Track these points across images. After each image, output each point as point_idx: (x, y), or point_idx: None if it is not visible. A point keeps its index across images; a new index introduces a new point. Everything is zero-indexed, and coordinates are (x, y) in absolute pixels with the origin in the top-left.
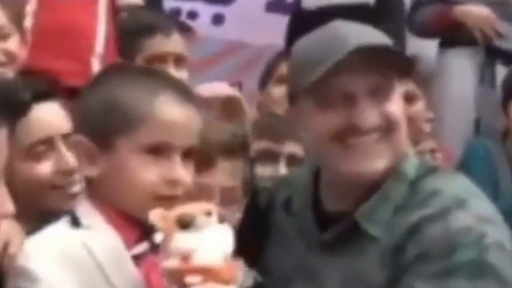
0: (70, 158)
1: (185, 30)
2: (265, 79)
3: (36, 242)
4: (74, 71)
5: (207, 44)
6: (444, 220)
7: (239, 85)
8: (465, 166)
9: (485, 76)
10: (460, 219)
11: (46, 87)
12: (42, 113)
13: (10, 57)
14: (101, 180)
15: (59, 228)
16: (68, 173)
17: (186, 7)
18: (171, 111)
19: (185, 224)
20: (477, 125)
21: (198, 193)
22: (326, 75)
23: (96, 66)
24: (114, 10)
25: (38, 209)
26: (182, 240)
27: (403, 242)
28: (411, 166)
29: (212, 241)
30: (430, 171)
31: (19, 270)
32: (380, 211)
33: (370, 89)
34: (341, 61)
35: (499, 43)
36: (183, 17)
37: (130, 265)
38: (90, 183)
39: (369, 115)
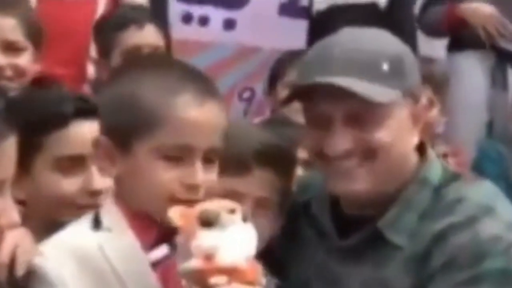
0: (99, 180)
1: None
2: (273, 83)
3: (54, 243)
4: (69, 76)
5: (219, 49)
6: (472, 228)
7: (251, 91)
8: (478, 169)
9: (496, 79)
10: (489, 227)
11: (89, 104)
12: (80, 130)
13: (19, 72)
14: (120, 180)
15: (79, 229)
16: (94, 193)
17: (197, 11)
18: (191, 112)
19: (208, 221)
20: (490, 127)
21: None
22: (307, 97)
23: (91, 70)
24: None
25: (55, 223)
26: (205, 238)
27: (429, 250)
28: (434, 172)
29: (237, 240)
30: (453, 177)
31: (36, 273)
32: (404, 219)
33: (348, 114)
34: (307, 87)
35: (508, 46)
36: (194, 22)
37: (147, 270)
38: (115, 181)
39: (339, 142)
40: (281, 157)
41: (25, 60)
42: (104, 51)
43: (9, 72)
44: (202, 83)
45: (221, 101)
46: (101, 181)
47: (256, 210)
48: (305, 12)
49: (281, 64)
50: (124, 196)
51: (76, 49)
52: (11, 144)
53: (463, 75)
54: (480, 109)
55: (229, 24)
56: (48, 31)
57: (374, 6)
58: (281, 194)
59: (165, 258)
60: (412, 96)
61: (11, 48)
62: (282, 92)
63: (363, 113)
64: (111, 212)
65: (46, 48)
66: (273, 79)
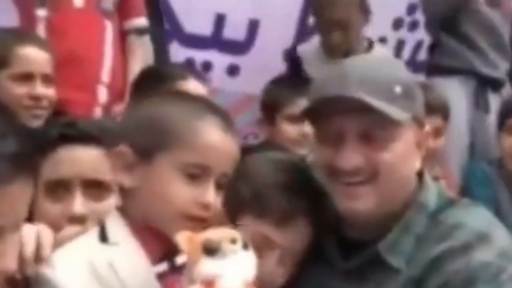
0: (80, 205)
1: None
2: (270, 113)
3: (65, 253)
4: (81, 100)
5: (222, 95)
6: (467, 255)
7: (256, 136)
8: (466, 191)
9: (480, 103)
10: (482, 254)
11: (76, 130)
12: (65, 155)
13: (50, 103)
14: (135, 191)
15: (88, 242)
16: (75, 220)
17: (200, 57)
18: (214, 135)
19: (210, 250)
20: (471, 150)
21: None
22: (322, 112)
23: (103, 94)
24: (121, 37)
25: None
26: (206, 266)
27: (425, 274)
28: (431, 197)
29: (235, 268)
30: (449, 202)
31: (45, 282)
32: (403, 242)
33: (361, 132)
34: (322, 102)
35: (488, 71)
36: (197, 68)
37: (154, 283)
38: (124, 194)
39: (351, 157)
40: (318, 210)
41: (54, 91)
42: None
43: (45, 103)
44: (223, 114)
45: (236, 134)
46: (84, 206)
47: (284, 258)
48: None
49: (279, 95)
50: (136, 207)
51: (88, 75)
52: (17, 190)
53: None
54: (463, 132)
55: (233, 71)
56: (61, 59)
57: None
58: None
59: (165, 273)
60: (418, 122)
61: (46, 80)
62: (282, 124)
63: (375, 131)
64: (117, 225)
65: (59, 75)
66: (270, 109)
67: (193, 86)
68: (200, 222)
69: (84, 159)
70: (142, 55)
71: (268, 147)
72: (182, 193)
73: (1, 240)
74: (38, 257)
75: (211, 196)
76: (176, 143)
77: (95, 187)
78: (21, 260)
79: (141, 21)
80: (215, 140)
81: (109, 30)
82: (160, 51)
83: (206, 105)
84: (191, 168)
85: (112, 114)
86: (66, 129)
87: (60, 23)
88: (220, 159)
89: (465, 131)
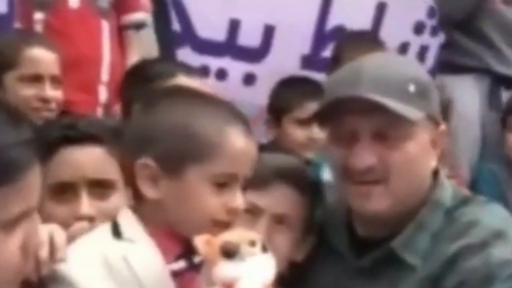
0: (87, 206)
1: None
2: (276, 115)
3: (78, 248)
4: (83, 101)
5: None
6: (484, 252)
7: None
8: (474, 190)
9: (493, 101)
10: (500, 252)
11: (76, 131)
12: (68, 156)
13: (58, 105)
14: (159, 202)
15: (101, 236)
16: (82, 220)
17: (214, 64)
18: (241, 143)
19: (229, 252)
20: (482, 148)
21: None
22: (335, 112)
23: (103, 93)
24: (119, 34)
25: None
26: (225, 269)
27: (442, 272)
28: (446, 194)
29: (255, 271)
30: (465, 200)
31: (60, 278)
32: (418, 239)
33: (374, 131)
34: (335, 102)
35: (502, 69)
36: (211, 76)
37: (169, 282)
38: (139, 199)
39: (364, 157)
40: (299, 175)
41: (61, 93)
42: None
43: (53, 105)
44: (244, 119)
45: (254, 137)
46: (91, 207)
47: (274, 226)
48: (329, 65)
49: (287, 98)
50: (157, 215)
51: (89, 75)
52: (33, 175)
53: (458, 98)
54: (474, 129)
55: (249, 79)
56: (61, 60)
57: None
58: (301, 214)
59: (182, 271)
60: (433, 120)
61: (54, 81)
62: (289, 127)
63: (389, 131)
64: (130, 222)
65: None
66: (277, 111)
67: (183, 82)
68: (224, 226)
69: (87, 160)
70: (140, 50)
71: (276, 148)
72: (211, 203)
73: (30, 220)
74: (53, 258)
75: (239, 200)
76: (206, 155)
77: (99, 187)
78: (36, 261)
79: (139, 15)
80: (243, 147)
81: (106, 29)
82: (166, 51)
83: (229, 111)
84: (220, 178)
85: (113, 112)
86: (67, 130)
87: (57, 24)
88: (245, 165)
89: (477, 128)
